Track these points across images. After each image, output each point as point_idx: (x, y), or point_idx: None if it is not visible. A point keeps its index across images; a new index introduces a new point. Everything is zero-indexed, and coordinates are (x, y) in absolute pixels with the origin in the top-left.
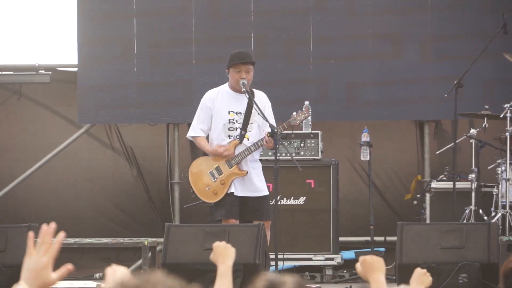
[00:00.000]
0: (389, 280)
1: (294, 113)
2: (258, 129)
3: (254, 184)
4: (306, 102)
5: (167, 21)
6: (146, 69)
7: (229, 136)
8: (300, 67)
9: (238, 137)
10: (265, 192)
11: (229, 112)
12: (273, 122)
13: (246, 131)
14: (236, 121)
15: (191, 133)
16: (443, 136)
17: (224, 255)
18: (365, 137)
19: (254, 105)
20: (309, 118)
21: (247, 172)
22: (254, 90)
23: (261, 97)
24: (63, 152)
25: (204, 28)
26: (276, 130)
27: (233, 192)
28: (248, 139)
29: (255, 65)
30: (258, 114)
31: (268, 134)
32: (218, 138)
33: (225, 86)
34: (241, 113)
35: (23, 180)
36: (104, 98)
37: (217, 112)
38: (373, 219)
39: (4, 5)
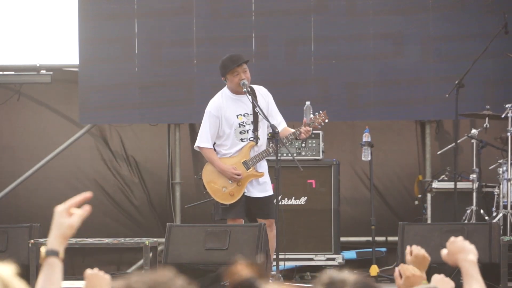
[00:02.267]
0: (390, 280)
1: (312, 116)
2: (265, 126)
3: (260, 184)
4: (308, 102)
5: (168, 21)
6: (147, 69)
7: (242, 139)
8: (301, 67)
9: (252, 138)
10: (270, 192)
11: (237, 116)
12: (278, 114)
13: (258, 132)
14: (246, 123)
15: (199, 143)
16: (444, 136)
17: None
18: (366, 137)
19: (257, 108)
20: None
21: (263, 173)
22: (253, 85)
23: (262, 93)
24: (64, 152)
25: (205, 28)
26: (276, 130)
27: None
28: (259, 139)
29: (256, 65)
30: (260, 115)
31: (269, 134)
32: (232, 144)
33: (226, 91)
34: (248, 114)
35: (24, 180)
36: (105, 98)
37: (226, 119)
38: (374, 219)
39: (5, 5)
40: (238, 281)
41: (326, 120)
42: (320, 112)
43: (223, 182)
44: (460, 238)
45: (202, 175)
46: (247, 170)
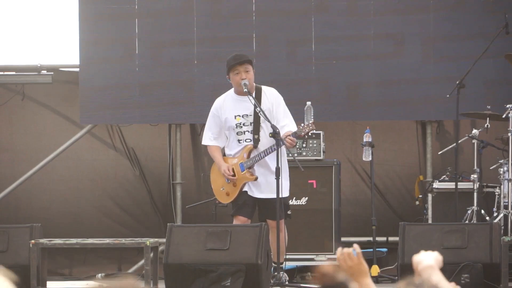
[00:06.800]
0: (391, 280)
1: (301, 125)
2: (267, 130)
3: (271, 185)
4: (308, 103)
5: (168, 21)
6: (148, 70)
7: (239, 140)
8: (302, 68)
9: (249, 140)
10: (273, 195)
11: (235, 116)
12: (285, 118)
13: (258, 134)
14: (244, 124)
15: (203, 141)
16: (445, 136)
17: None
18: (367, 138)
19: (257, 109)
20: (311, 118)
21: (257, 177)
22: (263, 87)
23: (269, 94)
24: (65, 152)
25: (206, 28)
26: (277, 130)
27: (246, 191)
28: (259, 141)
29: (256, 65)
30: (260, 115)
31: (270, 135)
32: (231, 144)
33: (231, 92)
34: (247, 115)
35: (25, 180)
36: (106, 99)
37: (225, 118)
38: (375, 220)
39: (6, 5)
40: (331, 283)
41: (314, 130)
42: (309, 122)
43: (222, 182)
44: (421, 252)
45: (210, 172)
46: (242, 172)
